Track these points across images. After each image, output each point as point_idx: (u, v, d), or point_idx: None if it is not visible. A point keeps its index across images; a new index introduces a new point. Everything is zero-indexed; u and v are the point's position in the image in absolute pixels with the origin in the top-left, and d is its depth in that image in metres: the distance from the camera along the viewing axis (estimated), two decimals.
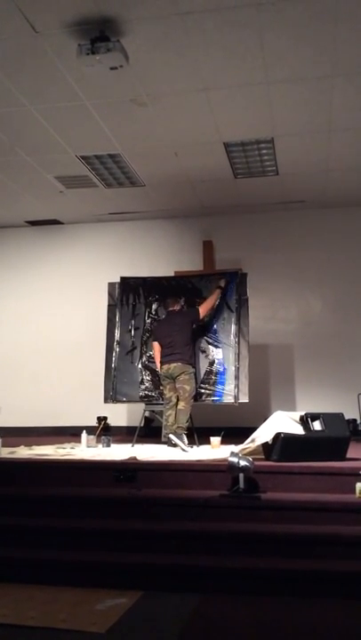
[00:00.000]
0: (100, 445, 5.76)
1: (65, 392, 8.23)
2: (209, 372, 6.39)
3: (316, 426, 4.60)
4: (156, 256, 8.30)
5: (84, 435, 5.80)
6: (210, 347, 6.50)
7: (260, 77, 4.98)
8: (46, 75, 4.91)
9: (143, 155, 6.45)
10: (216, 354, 6.46)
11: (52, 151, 6.33)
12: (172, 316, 6.29)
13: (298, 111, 5.53)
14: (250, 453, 4.50)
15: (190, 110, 5.51)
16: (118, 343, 6.76)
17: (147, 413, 6.76)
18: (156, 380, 6.45)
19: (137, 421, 6.58)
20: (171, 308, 6.32)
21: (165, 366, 5.95)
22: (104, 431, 6.38)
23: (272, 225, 8.18)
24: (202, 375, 6.40)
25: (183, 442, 5.59)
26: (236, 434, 5.61)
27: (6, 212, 8.31)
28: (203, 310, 6.22)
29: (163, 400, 6.11)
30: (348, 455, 4.56)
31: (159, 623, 2.85)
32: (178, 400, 5.92)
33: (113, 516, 3.98)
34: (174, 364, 5.89)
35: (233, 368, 6.32)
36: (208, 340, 6.53)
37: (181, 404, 5.86)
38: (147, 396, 6.48)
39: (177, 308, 6.33)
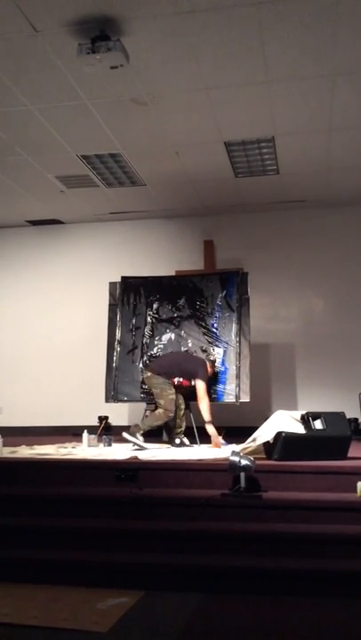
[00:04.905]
0: (102, 445, 5.76)
1: (66, 391, 8.23)
2: None
3: (318, 425, 4.60)
4: (156, 255, 8.30)
5: (85, 434, 5.79)
6: (211, 346, 6.51)
7: (261, 76, 4.98)
8: (47, 74, 4.91)
9: (144, 154, 6.45)
10: (217, 353, 6.46)
11: (52, 151, 6.33)
12: (194, 355, 6.27)
13: (299, 110, 5.53)
14: (251, 452, 4.50)
15: (191, 109, 5.50)
16: (119, 342, 6.77)
17: (148, 413, 6.75)
18: None
19: (138, 421, 6.56)
20: (203, 358, 6.23)
21: (143, 375, 5.96)
22: (105, 431, 6.37)
23: (273, 224, 8.18)
24: None
25: (137, 441, 5.48)
26: (237, 433, 5.62)
27: (7, 212, 8.31)
28: (200, 390, 5.70)
29: None
30: (350, 454, 4.56)
31: (160, 623, 2.85)
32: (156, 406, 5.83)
33: (114, 515, 3.98)
34: (147, 374, 5.86)
35: (234, 367, 6.32)
36: (209, 339, 6.53)
37: (159, 411, 5.73)
38: (148, 395, 6.48)
39: (206, 361, 6.08)
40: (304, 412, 4.71)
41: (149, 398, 6.46)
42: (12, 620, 2.87)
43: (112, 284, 7.10)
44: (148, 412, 6.59)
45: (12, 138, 6.04)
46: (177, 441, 5.70)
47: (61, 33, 4.37)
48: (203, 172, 6.90)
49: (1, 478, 4.53)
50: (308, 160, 6.60)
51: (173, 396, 5.76)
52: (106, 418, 6.76)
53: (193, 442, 5.89)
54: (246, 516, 3.80)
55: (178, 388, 5.87)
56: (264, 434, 4.56)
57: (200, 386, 5.74)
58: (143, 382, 6.52)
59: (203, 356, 6.34)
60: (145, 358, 6.62)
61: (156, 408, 5.85)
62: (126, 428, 5.84)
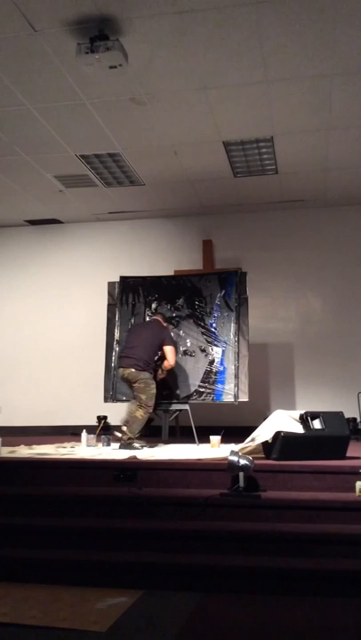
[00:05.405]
0: (101, 444, 5.76)
1: (65, 391, 8.23)
2: (209, 372, 6.40)
3: (316, 425, 4.60)
4: (155, 255, 8.30)
5: (84, 434, 5.80)
6: (210, 346, 6.51)
7: (260, 76, 4.98)
8: (45, 74, 4.91)
9: (143, 154, 6.45)
10: (216, 353, 6.46)
11: (51, 150, 6.33)
12: (150, 323, 6.21)
13: (297, 110, 5.53)
14: (250, 452, 4.50)
15: (190, 109, 5.50)
16: (118, 342, 6.76)
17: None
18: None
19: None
20: (155, 318, 6.24)
21: (120, 370, 5.80)
22: (104, 430, 6.39)
23: (272, 224, 8.19)
24: (201, 374, 6.40)
25: (136, 448, 5.42)
26: (235, 433, 5.61)
27: (6, 211, 8.31)
28: (167, 355, 5.86)
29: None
30: (348, 454, 4.57)
31: (159, 622, 2.85)
32: (136, 407, 5.70)
33: (113, 515, 3.98)
34: (129, 370, 5.70)
35: (233, 367, 6.32)
36: (208, 339, 6.54)
37: (139, 412, 5.64)
38: None
39: (160, 319, 6.18)
40: (303, 412, 4.71)
41: None
42: (11, 619, 2.87)
43: (111, 284, 7.09)
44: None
45: (11, 137, 6.04)
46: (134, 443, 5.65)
47: (60, 32, 4.37)
48: (202, 171, 6.91)
49: (0, 478, 4.53)
50: (307, 160, 6.61)
51: (155, 391, 5.74)
52: (105, 417, 6.78)
53: (192, 441, 5.89)
54: (245, 516, 3.80)
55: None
56: (263, 433, 4.56)
57: (169, 350, 5.83)
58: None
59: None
60: None
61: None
62: None
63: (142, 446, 5.56)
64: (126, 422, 5.70)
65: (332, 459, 4.39)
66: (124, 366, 5.77)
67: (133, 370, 5.68)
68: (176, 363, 6.12)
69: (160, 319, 6.22)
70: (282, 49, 4.61)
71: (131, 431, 5.59)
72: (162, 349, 5.88)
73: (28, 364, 8.51)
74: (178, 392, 6.41)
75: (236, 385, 6.24)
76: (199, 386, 6.36)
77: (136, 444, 5.53)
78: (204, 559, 3.44)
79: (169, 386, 6.43)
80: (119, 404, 6.91)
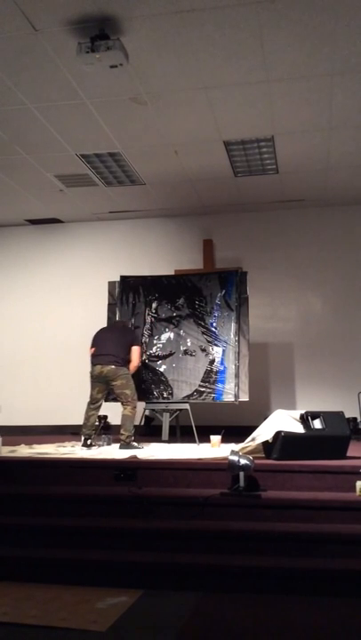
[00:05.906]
0: (101, 444, 5.76)
1: (65, 391, 8.22)
2: (209, 371, 6.40)
3: (317, 424, 4.60)
4: (156, 255, 8.30)
5: None
6: (210, 345, 6.51)
7: (261, 75, 4.98)
8: (46, 73, 4.90)
9: (143, 153, 6.44)
10: (216, 352, 6.46)
11: (51, 150, 6.33)
12: (115, 326, 6.34)
13: (298, 109, 5.53)
14: (250, 452, 4.50)
15: (190, 109, 5.50)
16: None
17: (147, 412, 6.76)
18: (156, 378, 6.46)
19: (137, 420, 6.57)
20: (119, 321, 6.45)
21: (98, 367, 5.72)
22: (104, 430, 6.38)
23: (272, 223, 8.18)
24: (202, 374, 6.40)
25: (136, 448, 5.41)
26: (236, 432, 5.61)
27: (6, 211, 8.31)
28: (134, 355, 5.89)
29: (90, 400, 5.92)
30: (349, 454, 4.57)
31: (160, 621, 2.85)
32: (122, 405, 5.73)
33: (113, 514, 3.99)
34: (109, 367, 5.67)
35: (233, 367, 6.32)
36: (208, 338, 6.54)
37: (127, 410, 5.66)
38: (147, 394, 6.47)
39: (125, 323, 6.43)
40: (303, 412, 4.71)
41: (149, 398, 6.45)
42: (11, 618, 2.87)
43: (111, 284, 7.09)
44: (147, 412, 6.58)
45: (12, 137, 6.04)
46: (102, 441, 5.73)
47: (61, 32, 4.37)
48: (202, 171, 6.90)
49: (0, 477, 4.53)
50: (308, 159, 6.61)
51: (134, 385, 5.78)
52: (105, 417, 6.76)
53: (192, 441, 5.89)
54: (245, 516, 3.80)
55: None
56: (263, 433, 4.56)
57: (136, 350, 5.91)
58: (142, 381, 6.47)
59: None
60: (144, 357, 6.60)
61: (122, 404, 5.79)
62: None
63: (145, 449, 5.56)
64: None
65: (333, 458, 4.39)
66: (102, 364, 5.70)
67: (114, 366, 5.69)
68: (176, 362, 6.12)
69: (124, 322, 6.43)
70: (282, 48, 4.61)
71: (127, 430, 5.60)
72: (129, 349, 5.88)
73: (29, 363, 8.51)
74: (178, 391, 6.41)
75: (237, 384, 6.24)
76: (200, 385, 6.36)
77: (135, 444, 5.54)
78: (204, 559, 3.44)
79: (170, 385, 6.43)
80: (119, 403, 6.91)
